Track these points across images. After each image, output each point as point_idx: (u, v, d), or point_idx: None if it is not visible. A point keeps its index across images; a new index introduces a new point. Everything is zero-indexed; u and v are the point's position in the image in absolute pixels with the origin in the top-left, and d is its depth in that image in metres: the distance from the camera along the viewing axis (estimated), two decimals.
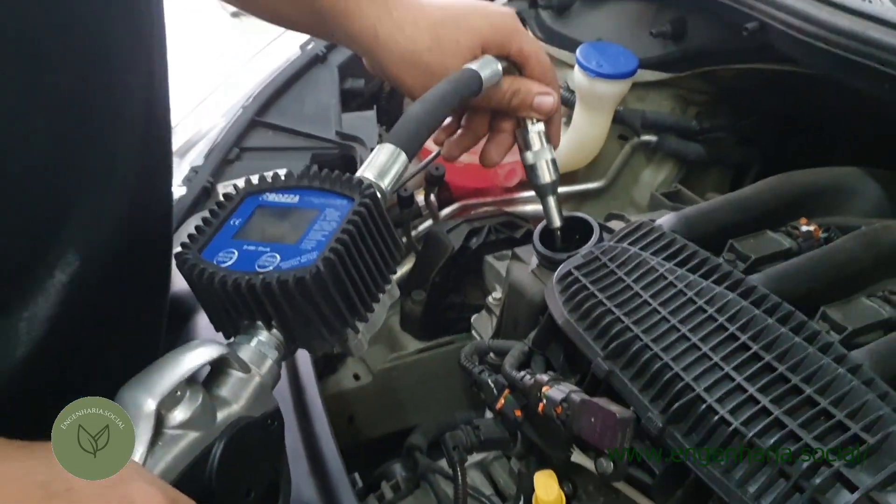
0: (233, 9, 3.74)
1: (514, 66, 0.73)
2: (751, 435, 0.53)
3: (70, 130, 0.47)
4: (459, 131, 0.78)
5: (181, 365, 0.45)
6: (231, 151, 1.02)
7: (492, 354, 0.81)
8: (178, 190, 0.92)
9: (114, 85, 0.51)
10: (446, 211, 1.19)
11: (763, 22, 0.88)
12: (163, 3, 0.57)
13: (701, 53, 1.10)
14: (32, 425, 0.38)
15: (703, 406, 0.56)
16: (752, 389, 0.56)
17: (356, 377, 1.03)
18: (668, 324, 0.63)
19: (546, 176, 0.76)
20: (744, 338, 0.60)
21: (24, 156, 0.44)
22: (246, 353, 0.48)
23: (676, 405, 0.57)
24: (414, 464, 0.82)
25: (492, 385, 0.75)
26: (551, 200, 0.77)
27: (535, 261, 0.81)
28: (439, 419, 1.01)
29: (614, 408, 0.59)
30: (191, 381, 0.45)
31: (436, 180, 1.12)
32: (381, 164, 0.55)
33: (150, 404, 0.42)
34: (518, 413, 0.72)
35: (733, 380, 0.58)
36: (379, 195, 0.52)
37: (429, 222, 1.17)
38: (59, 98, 0.46)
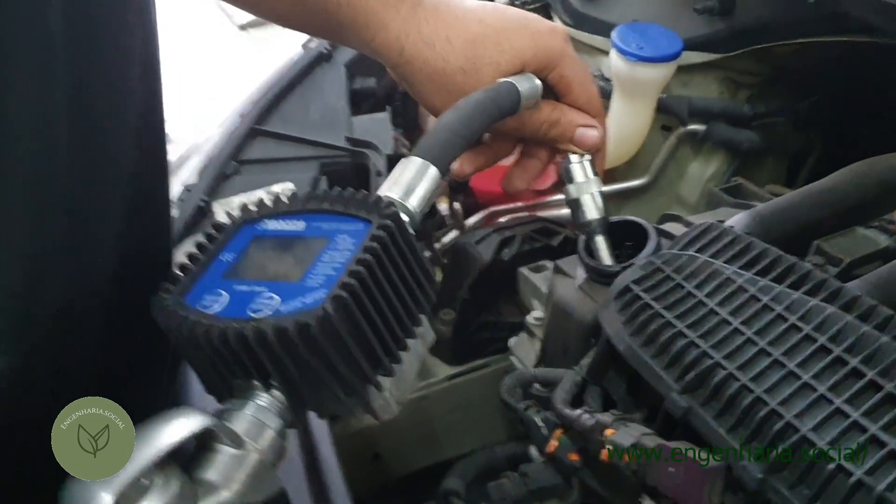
0: (240, 21, 3.70)
1: (552, 91, 0.64)
2: (882, 487, 0.42)
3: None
4: (478, 147, 0.68)
5: (150, 444, 0.35)
6: (228, 165, 0.92)
7: (537, 385, 0.71)
8: None
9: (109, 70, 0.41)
10: (472, 219, 1.09)
11: None
12: None
13: (753, 29, 0.99)
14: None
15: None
16: (873, 428, 0.46)
17: None
18: (755, 347, 0.52)
19: (593, 212, 0.66)
20: (854, 361, 0.49)
21: None
22: (240, 422, 0.38)
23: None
24: None
25: (540, 424, 0.65)
26: (601, 240, 0.67)
27: (581, 274, 0.71)
28: (476, 452, 0.93)
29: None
30: (165, 463, 0.35)
31: (459, 186, 1.02)
32: (406, 181, 0.45)
33: (106, 499, 0.33)
34: (574, 457, 0.62)
35: (847, 415, 0.47)
36: (406, 217, 0.42)
37: (454, 233, 1.08)
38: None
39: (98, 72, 0.40)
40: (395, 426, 0.95)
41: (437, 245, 1.06)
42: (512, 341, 0.84)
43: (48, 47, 0.37)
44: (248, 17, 3.58)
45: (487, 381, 0.97)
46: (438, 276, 1.03)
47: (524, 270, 0.92)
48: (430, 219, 1.00)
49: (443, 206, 1.05)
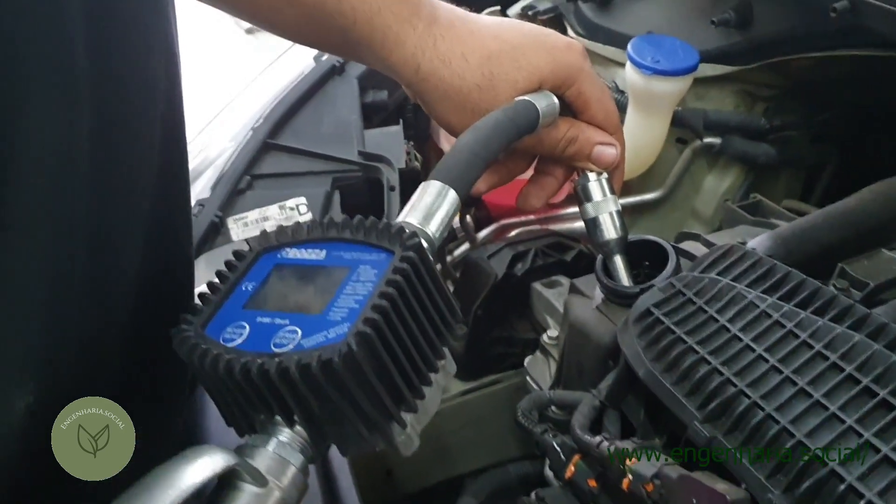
0: (247, 25, 3.69)
1: (569, 108, 0.63)
2: None
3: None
4: (493, 164, 0.67)
5: (174, 485, 0.34)
6: (241, 180, 0.91)
7: (554, 408, 0.69)
8: None
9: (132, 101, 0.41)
10: (484, 233, 1.09)
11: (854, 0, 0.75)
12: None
13: (771, 42, 0.97)
14: None
15: (843, 485, 0.45)
16: None
17: None
18: (779, 375, 0.51)
19: (611, 231, 0.65)
20: (883, 392, 0.48)
21: None
22: (262, 459, 0.37)
23: (806, 484, 0.45)
24: None
25: (558, 449, 0.64)
26: (619, 260, 0.66)
27: (598, 294, 0.69)
28: (489, 469, 0.92)
29: (722, 486, 0.48)
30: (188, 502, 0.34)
31: (471, 199, 1.01)
32: (426, 206, 0.44)
33: None
34: (592, 483, 0.61)
35: (878, 449, 0.46)
36: (426, 245, 0.41)
37: (465, 246, 1.07)
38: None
39: (121, 104, 0.40)
40: None
41: (448, 258, 1.05)
42: (527, 361, 0.83)
43: (71, 82, 0.36)
44: None
45: (500, 396, 0.96)
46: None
47: (538, 286, 0.91)
48: None
49: (454, 220, 1.04)
